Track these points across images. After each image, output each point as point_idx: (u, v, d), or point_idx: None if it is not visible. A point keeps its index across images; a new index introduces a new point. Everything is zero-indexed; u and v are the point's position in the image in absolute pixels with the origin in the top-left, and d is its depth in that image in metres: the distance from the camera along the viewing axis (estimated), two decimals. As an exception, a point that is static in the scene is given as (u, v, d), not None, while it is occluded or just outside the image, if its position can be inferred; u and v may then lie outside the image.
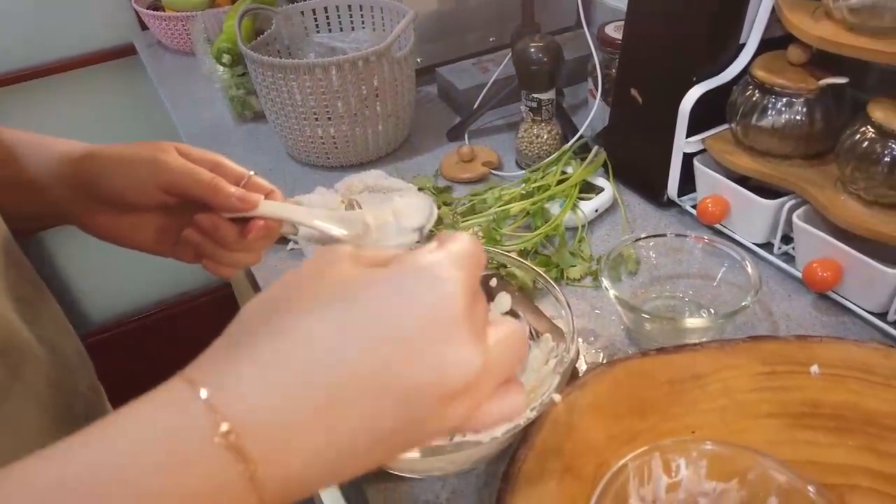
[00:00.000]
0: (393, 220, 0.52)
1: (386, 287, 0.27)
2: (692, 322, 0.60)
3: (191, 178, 0.48)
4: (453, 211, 0.83)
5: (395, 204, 0.53)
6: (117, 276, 1.80)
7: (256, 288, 0.83)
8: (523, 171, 0.92)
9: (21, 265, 0.47)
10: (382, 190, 0.88)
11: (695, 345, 0.56)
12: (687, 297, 0.69)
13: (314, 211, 0.53)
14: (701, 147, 0.76)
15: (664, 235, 0.69)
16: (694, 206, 0.80)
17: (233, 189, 0.49)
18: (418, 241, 0.52)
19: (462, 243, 0.30)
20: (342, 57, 0.86)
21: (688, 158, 0.77)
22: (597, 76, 0.90)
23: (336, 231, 0.52)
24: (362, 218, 0.52)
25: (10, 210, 0.48)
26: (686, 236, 0.68)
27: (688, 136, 0.75)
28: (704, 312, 0.67)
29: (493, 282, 0.66)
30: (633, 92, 0.81)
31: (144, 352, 1.84)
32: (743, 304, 0.58)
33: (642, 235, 0.69)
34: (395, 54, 0.90)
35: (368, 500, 0.53)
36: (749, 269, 0.61)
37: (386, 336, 0.26)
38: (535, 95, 0.86)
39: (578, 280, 0.74)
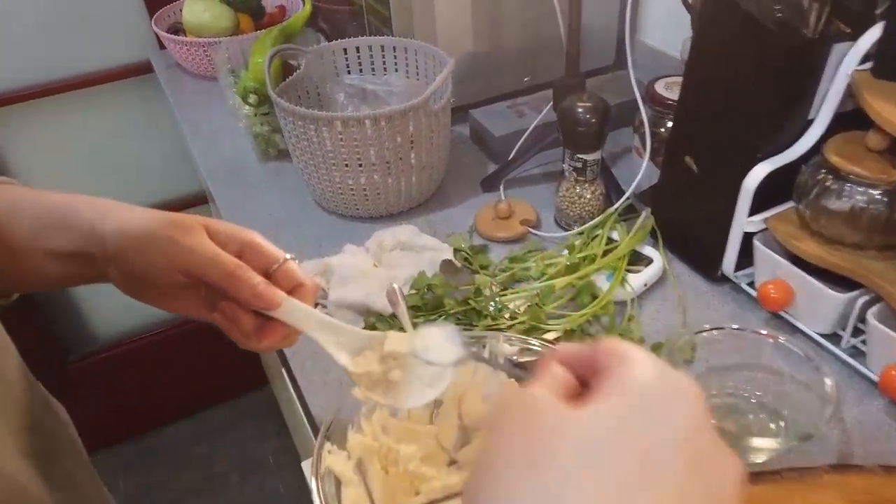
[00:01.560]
0: (420, 356, 0.47)
1: (636, 422, 0.25)
2: (760, 442, 0.55)
3: (211, 265, 0.44)
4: (492, 280, 0.78)
5: (419, 336, 0.48)
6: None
7: (280, 353, 0.78)
8: (563, 231, 0.87)
9: (35, 407, 0.43)
10: (415, 248, 0.83)
11: (773, 473, 0.51)
12: (749, 395, 0.64)
13: (335, 326, 0.48)
14: (763, 227, 0.71)
15: (737, 330, 0.64)
16: (750, 284, 0.76)
17: (256, 281, 0.44)
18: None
19: (642, 353, 0.28)
20: (378, 111, 0.81)
21: (747, 235, 0.72)
22: (644, 134, 0.85)
23: (350, 366, 0.47)
24: (389, 348, 0.48)
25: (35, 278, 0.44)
26: (759, 334, 0.63)
27: (750, 215, 0.70)
28: (769, 416, 0.62)
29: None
30: (688, 160, 0.76)
31: (156, 369, 1.81)
32: (820, 426, 0.54)
33: (706, 328, 0.64)
34: (433, 106, 0.85)
35: None
36: (827, 385, 0.56)
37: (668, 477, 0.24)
38: (581, 156, 0.82)
39: (629, 367, 0.69)
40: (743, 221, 0.71)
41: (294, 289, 0.46)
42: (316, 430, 0.68)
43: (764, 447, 0.55)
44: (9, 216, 0.46)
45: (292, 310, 0.45)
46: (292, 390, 0.76)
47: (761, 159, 0.68)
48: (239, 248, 0.46)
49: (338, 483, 0.53)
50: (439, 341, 0.46)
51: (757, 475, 0.51)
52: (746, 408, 0.64)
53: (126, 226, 0.45)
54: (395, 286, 0.65)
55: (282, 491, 1.75)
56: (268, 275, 0.46)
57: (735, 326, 0.64)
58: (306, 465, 1.00)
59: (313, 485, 0.50)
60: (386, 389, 0.47)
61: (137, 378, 1.81)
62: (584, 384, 0.30)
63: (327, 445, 0.53)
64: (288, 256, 0.47)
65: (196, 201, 1.68)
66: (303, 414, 0.90)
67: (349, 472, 0.53)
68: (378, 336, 0.48)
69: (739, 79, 0.69)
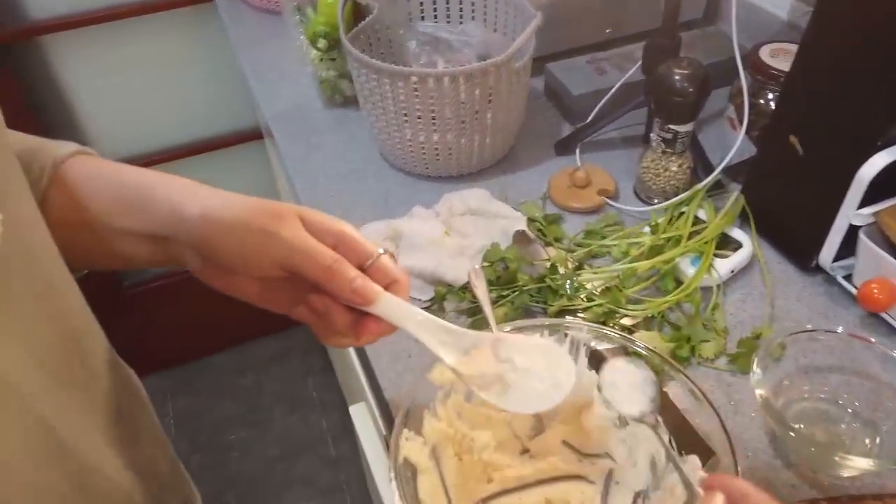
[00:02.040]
0: (540, 371, 0.45)
1: None
2: (854, 461, 0.52)
3: (308, 259, 0.41)
4: (567, 255, 0.75)
5: (542, 349, 0.45)
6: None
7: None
8: (643, 205, 0.83)
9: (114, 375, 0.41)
10: (487, 215, 0.80)
11: (875, 498, 0.48)
12: (843, 402, 0.61)
13: (439, 325, 0.46)
14: (871, 220, 0.66)
15: (832, 332, 0.60)
16: (846, 277, 0.71)
17: (353, 274, 0.42)
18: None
19: None
20: (458, 69, 0.76)
21: (851, 227, 0.67)
22: (742, 104, 0.79)
23: (459, 367, 0.45)
24: (496, 353, 0.45)
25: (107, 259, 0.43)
26: (858, 338, 0.59)
27: (860, 207, 0.65)
28: (864, 428, 0.59)
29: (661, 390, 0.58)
30: (793, 140, 0.70)
31: (205, 299, 1.83)
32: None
33: (808, 328, 0.60)
34: (515, 63, 0.80)
35: None
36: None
37: None
38: (672, 127, 0.76)
39: (712, 360, 0.66)
40: (850, 213, 0.66)
41: (389, 284, 0.43)
42: (376, 389, 0.67)
43: (856, 466, 0.52)
44: (86, 191, 0.44)
45: (391, 306, 0.43)
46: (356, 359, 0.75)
47: (881, 147, 0.62)
48: (334, 241, 0.43)
49: (413, 470, 0.52)
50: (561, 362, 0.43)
51: (857, 499, 0.48)
52: (839, 415, 0.60)
53: (212, 212, 0.42)
54: (477, 267, 0.62)
55: (324, 427, 1.78)
56: (362, 269, 0.43)
57: (833, 329, 0.60)
58: (354, 410, 1.00)
59: (392, 475, 0.49)
60: (501, 391, 0.45)
61: (187, 307, 1.83)
62: None
63: (405, 432, 0.51)
64: (381, 251, 0.44)
65: (252, 136, 1.66)
66: (364, 376, 0.89)
67: (425, 459, 0.52)
68: (487, 336, 0.46)
69: (866, 55, 0.62)
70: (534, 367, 0.45)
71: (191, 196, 0.43)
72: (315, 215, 0.43)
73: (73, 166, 0.45)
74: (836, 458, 0.53)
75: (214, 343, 1.98)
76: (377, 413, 0.84)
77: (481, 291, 0.62)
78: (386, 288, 0.43)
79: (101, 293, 1.73)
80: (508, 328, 0.58)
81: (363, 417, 0.97)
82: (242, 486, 1.67)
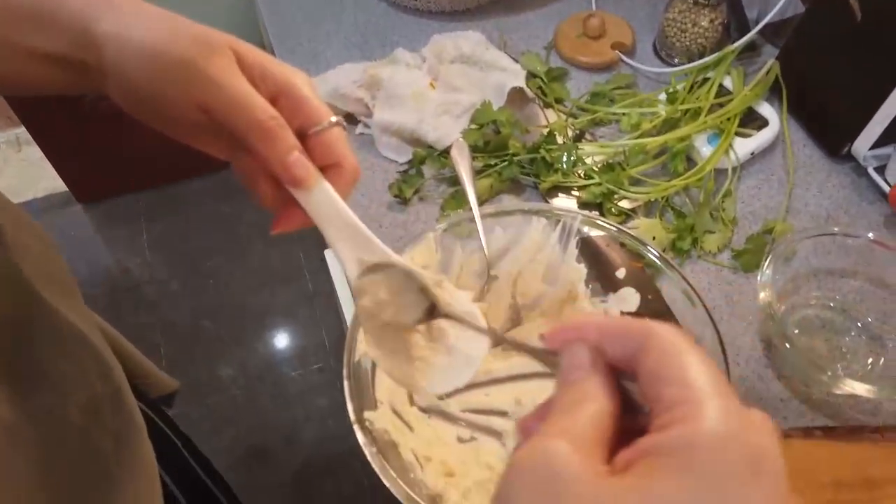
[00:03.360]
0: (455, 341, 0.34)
1: None
2: (850, 385, 0.47)
3: (236, 109, 0.32)
4: (568, 121, 0.65)
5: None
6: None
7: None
8: (663, 66, 0.72)
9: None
10: (481, 65, 0.69)
11: (873, 430, 0.44)
12: (851, 311, 0.55)
13: (369, 242, 0.35)
14: (926, 108, 0.56)
15: (854, 236, 0.53)
16: (878, 170, 0.63)
17: (290, 143, 0.33)
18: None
19: (717, 390, 0.19)
20: None
21: (899, 115, 0.58)
22: (796, -51, 0.66)
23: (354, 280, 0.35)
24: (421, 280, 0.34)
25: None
26: (884, 247, 0.52)
27: (916, 92, 0.55)
28: (868, 343, 0.54)
29: (621, 272, 0.52)
30: (852, 2, 0.58)
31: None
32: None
33: (831, 230, 0.53)
34: None
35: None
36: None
37: None
38: (710, -28, 0.63)
39: (714, 254, 0.59)
40: (904, 98, 0.56)
41: (330, 167, 0.34)
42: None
43: (853, 392, 0.47)
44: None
45: (320, 198, 0.34)
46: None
47: (960, 22, 0.52)
48: (275, 92, 0.34)
49: (373, 366, 0.47)
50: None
51: (854, 431, 0.44)
52: (845, 327, 0.55)
53: (129, 33, 0.32)
54: (462, 141, 0.53)
55: (303, 261, 1.76)
56: (303, 137, 0.34)
57: (855, 234, 0.53)
58: (328, 254, 0.96)
59: (345, 372, 0.44)
60: (395, 352, 0.35)
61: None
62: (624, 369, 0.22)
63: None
64: (334, 119, 0.34)
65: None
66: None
67: (385, 354, 0.47)
68: (421, 275, 0.34)
69: None
70: (452, 334, 0.34)
71: (107, 10, 0.33)
72: (255, 54, 0.33)
73: None
74: (831, 378, 0.48)
75: (191, 166, 1.89)
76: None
77: (464, 167, 0.54)
78: (325, 170, 0.34)
79: (64, 105, 1.61)
80: (488, 211, 0.50)
81: (336, 262, 0.92)
82: (219, 315, 1.67)
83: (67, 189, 1.82)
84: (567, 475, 0.19)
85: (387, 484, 0.40)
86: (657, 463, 0.18)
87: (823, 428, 0.45)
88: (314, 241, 1.76)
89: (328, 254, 0.94)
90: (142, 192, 1.87)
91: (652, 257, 0.50)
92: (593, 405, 0.21)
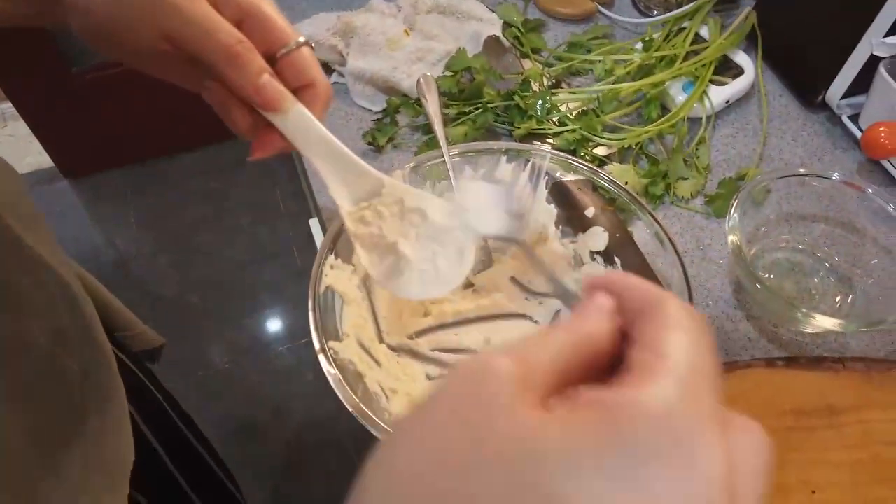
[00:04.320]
0: (441, 246, 0.36)
1: (616, 464, 0.16)
2: (820, 321, 0.47)
3: (203, 35, 0.32)
4: (544, 70, 0.65)
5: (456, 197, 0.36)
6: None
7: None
8: (642, 17, 0.72)
9: None
10: (458, 15, 0.69)
11: (835, 360, 0.44)
12: (821, 254, 0.55)
13: (347, 158, 0.36)
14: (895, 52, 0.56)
15: (825, 178, 0.53)
16: (853, 118, 0.63)
17: (259, 66, 0.33)
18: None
19: (698, 359, 0.18)
20: None
21: (872, 60, 0.58)
22: None
23: (349, 214, 0.36)
24: (411, 203, 0.36)
25: None
26: (848, 185, 0.52)
27: (887, 35, 0.55)
28: (837, 284, 0.54)
29: (590, 211, 0.52)
30: (828, -55, 0.58)
31: (167, 94, 1.71)
32: (892, 318, 0.45)
33: (800, 171, 0.53)
34: None
35: None
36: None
37: None
38: (687, -81, 0.63)
39: (687, 200, 0.59)
40: (875, 41, 0.56)
41: (302, 88, 0.34)
42: (318, 208, 0.61)
43: (821, 325, 0.47)
44: None
45: (298, 121, 0.34)
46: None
47: (931, -39, 0.51)
48: (239, 16, 0.33)
49: (341, 301, 0.47)
50: (482, 204, 0.34)
51: (816, 361, 0.44)
52: (814, 268, 0.55)
53: None
54: (430, 75, 0.53)
55: (291, 237, 1.76)
56: (271, 60, 0.34)
57: (826, 174, 0.53)
58: (313, 223, 0.95)
59: (310, 304, 0.44)
60: (384, 257, 0.36)
61: (145, 100, 1.71)
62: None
63: (330, 259, 0.45)
64: (302, 39, 0.34)
65: None
66: (308, 193, 0.82)
67: (353, 290, 0.47)
68: (398, 187, 0.36)
69: None
70: (437, 237, 0.36)
71: None
72: None
73: None
74: (801, 315, 0.48)
75: (177, 143, 1.88)
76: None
77: (432, 103, 0.54)
78: (297, 92, 0.34)
79: (50, 80, 1.60)
80: (457, 150, 0.50)
81: (321, 233, 0.92)
82: (207, 289, 1.67)
83: (54, 164, 1.81)
84: (492, 401, 0.18)
85: (349, 408, 0.40)
86: (589, 413, 0.17)
87: (786, 358, 0.45)
88: (302, 216, 1.76)
89: (313, 223, 0.94)
90: (129, 166, 1.87)
91: (624, 200, 0.50)
92: (569, 337, 0.20)
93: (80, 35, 0.35)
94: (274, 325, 1.61)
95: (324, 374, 0.41)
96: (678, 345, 0.19)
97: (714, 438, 0.17)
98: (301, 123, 0.34)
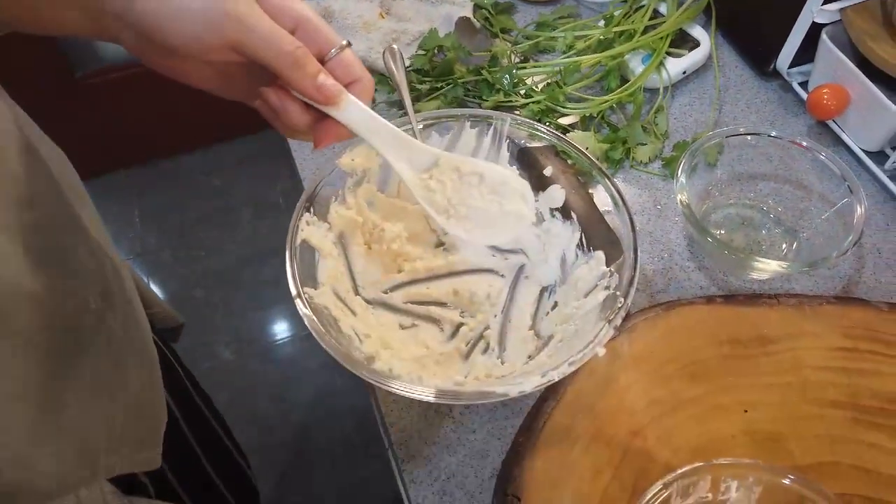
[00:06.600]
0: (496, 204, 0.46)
1: None
2: (765, 263, 0.51)
3: (265, 43, 0.36)
4: (511, 48, 0.69)
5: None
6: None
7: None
8: (606, -2, 0.76)
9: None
10: None
11: (770, 297, 0.48)
12: (769, 209, 0.59)
13: (403, 139, 0.44)
14: (836, 18, 0.60)
15: (772, 137, 0.57)
16: (803, 85, 0.66)
17: (317, 68, 0.38)
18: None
19: None
20: None
21: (815, 27, 0.62)
22: None
23: (406, 175, 0.45)
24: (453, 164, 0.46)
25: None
26: (795, 144, 0.56)
27: (825, 2, 0.59)
28: (784, 235, 0.58)
29: (549, 170, 0.56)
30: (771, -79, 0.62)
31: (170, 95, 1.76)
32: (834, 254, 0.49)
33: (740, 131, 0.57)
34: None
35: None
36: (857, 213, 0.51)
37: None
38: None
39: (646, 164, 0.63)
40: (815, 8, 0.60)
41: (351, 83, 0.39)
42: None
43: (768, 268, 0.52)
44: None
45: (354, 111, 0.39)
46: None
47: (860, -68, 0.55)
48: (293, 25, 0.38)
49: (316, 254, 0.51)
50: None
51: (753, 297, 0.48)
52: (762, 222, 0.59)
53: None
54: (395, 47, 0.57)
55: (291, 231, 1.80)
56: (322, 62, 0.39)
57: (773, 134, 0.57)
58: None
59: (287, 254, 0.48)
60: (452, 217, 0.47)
61: (148, 102, 1.76)
62: None
63: (306, 216, 0.50)
64: (345, 42, 0.39)
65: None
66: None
67: (329, 245, 0.51)
68: (454, 158, 0.45)
69: None
70: (497, 190, 0.46)
71: None
72: None
73: None
74: (749, 261, 0.52)
75: (181, 143, 1.93)
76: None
77: (398, 73, 0.58)
78: (347, 87, 0.39)
79: (52, 84, 1.65)
80: (422, 118, 0.54)
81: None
82: (210, 284, 1.72)
83: (60, 166, 1.86)
84: None
85: (323, 345, 0.44)
86: None
87: (724, 296, 0.49)
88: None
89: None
90: (133, 168, 1.92)
91: (584, 164, 0.54)
92: None
93: (130, 50, 0.39)
94: (277, 317, 1.65)
95: (327, 364, 0.45)
96: None
97: None
98: (356, 113, 0.40)
